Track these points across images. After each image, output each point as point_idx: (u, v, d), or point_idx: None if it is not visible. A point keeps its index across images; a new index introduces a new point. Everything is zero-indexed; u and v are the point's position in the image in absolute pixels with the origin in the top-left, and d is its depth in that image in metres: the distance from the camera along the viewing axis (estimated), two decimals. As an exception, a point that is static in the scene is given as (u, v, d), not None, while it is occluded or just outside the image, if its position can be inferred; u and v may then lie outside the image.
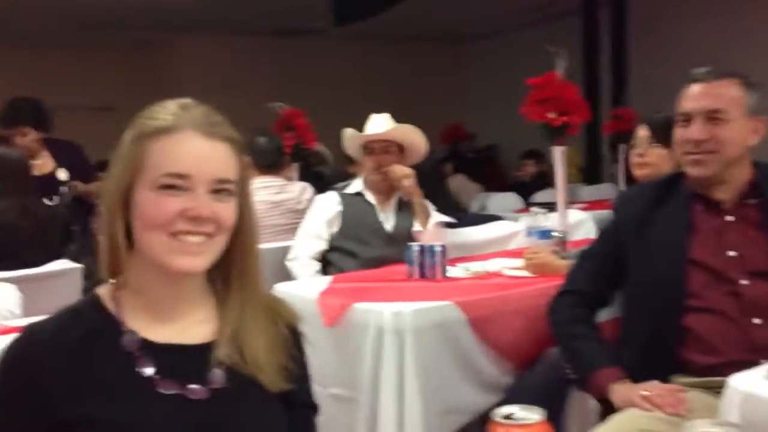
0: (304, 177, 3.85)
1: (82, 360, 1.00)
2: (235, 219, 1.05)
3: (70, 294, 2.81)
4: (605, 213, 3.31)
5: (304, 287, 2.37)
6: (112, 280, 1.07)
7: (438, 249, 2.41)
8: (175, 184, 1.01)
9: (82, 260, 2.98)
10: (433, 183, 3.26)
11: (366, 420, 2.04)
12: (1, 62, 7.60)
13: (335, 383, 2.09)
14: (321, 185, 3.59)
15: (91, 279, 2.97)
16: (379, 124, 2.95)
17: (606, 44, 7.27)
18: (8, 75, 7.22)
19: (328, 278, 2.54)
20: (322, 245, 2.95)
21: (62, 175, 3.67)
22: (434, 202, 3.02)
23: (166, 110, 1.05)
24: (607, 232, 1.95)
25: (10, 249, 2.77)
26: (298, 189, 3.50)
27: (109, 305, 1.06)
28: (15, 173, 2.90)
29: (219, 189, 1.03)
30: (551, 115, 2.71)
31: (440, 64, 9.13)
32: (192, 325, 1.08)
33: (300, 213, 3.24)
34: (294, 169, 3.88)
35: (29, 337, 1.02)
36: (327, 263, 2.95)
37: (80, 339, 1.02)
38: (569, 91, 2.73)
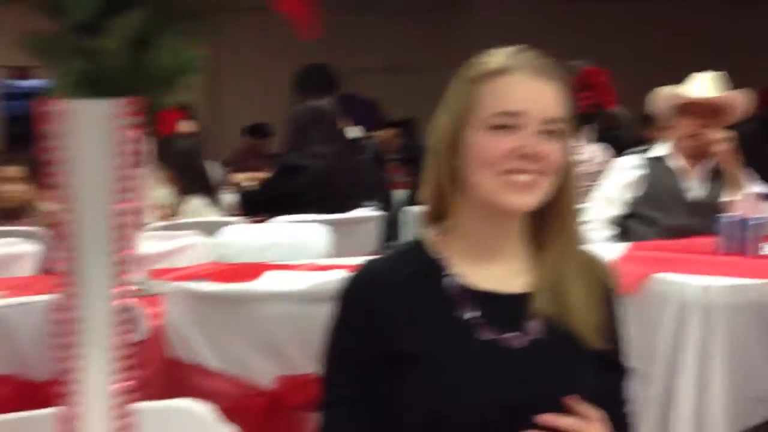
0: (598, 139, 3.70)
1: (407, 299, 1.07)
2: (563, 161, 1.04)
3: (372, 240, 3.03)
4: None
5: (597, 252, 2.29)
6: (433, 226, 1.12)
7: (755, 222, 2.18)
8: (506, 123, 1.03)
9: (382, 209, 3.19)
10: (760, 148, 2.93)
11: (659, 396, 1.94)
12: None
13: (628, 354, 2.01)
14: (616, 149, 3.43)
15: (389, 227, 3.18)
16: (705, 85, 2.70)
17: None
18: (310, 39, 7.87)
19: (624, 245, 2.43)
20: (618, 210, 2.82)
21: (354, 132, 3.90)
22: (760, 169, 2.72)
23: (497, 54, 1.08)
24: None
25: (325, 193, 3.05)
26: (592, 151, 3.39)
27: (433, 249, 1.11)
28: (330, 122, 3.17)
29: (550, 129, 1.04)
30: None
31: (761, 19, 8.15)
32: (511, 274, 1.09)
33: (592, 176, 3.14)
34: (589, 131, 3.74)
35: (365, 272, 1.11)
36: (623, 229, 2.83)
37: (406, 279, 1.08)
38: None
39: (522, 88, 1.04)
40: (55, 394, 1.46)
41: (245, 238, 2.56)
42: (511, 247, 1.10)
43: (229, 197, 3.64)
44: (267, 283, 1.90)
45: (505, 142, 1.03)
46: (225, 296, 1.66)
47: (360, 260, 2.09)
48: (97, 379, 0.53)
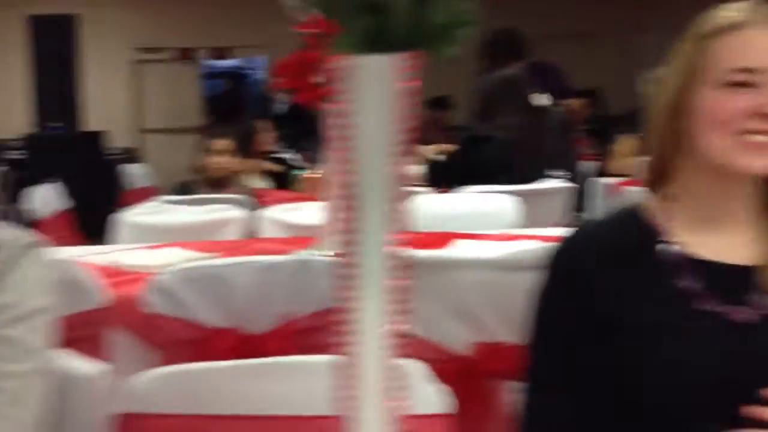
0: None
1: (621, 266, 1.03)
2: None
3: (560, 211, 2.97)
4: None
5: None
6: (653, 192, 1.08)
7: None
8: (743, 80, 0.97)
9: (568, 180, 3.11)
10: None
11: None
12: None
13: None
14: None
15: (576, 199, 3.10)
16: None
17: None
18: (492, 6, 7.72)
19: None
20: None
21: (543, 100, 3.79)
22: None
23: (732, 9, 1.02)
24: None
25: (511, 164, 3.03)
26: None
27: (652, 216, 1.06)
28: (519, 92, 3.13)
29: None
30: None
31: None
32: (738, 244, 1.02)
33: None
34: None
35: (576, 238, 1.09)
36: None
37: (619, 245, 1.05)
38: None
39: (762, 43, 0.98)
40: (270, 346, 1.57)
41: (435, 207, 2.60)
42: (739, 216, 1.03)
43: (414, 168, 3.70)
44: (462, 250, 1.92)
45: (742, 101, 0.97)
46: (422, 262, 1.69)
47: (549, 231, 2.03)
48: (373, 321, 0.56)
